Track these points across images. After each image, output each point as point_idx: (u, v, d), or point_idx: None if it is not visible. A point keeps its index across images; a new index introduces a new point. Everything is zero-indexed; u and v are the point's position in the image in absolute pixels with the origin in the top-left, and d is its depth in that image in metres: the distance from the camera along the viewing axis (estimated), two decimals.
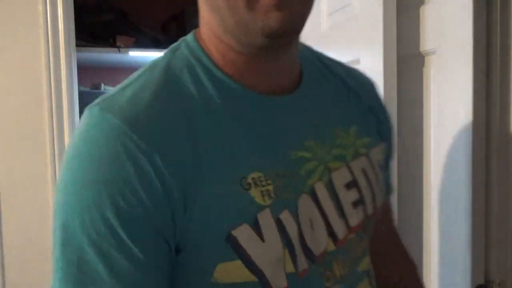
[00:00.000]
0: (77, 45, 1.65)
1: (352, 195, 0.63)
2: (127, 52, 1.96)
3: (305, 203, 0.57)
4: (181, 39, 0.62)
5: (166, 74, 0.56)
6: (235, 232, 0.52)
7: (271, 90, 0.59)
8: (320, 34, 1.48)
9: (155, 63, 0.59)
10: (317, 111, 0.63)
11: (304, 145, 0.59)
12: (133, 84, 0.56)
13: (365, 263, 0.67)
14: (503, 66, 0.86)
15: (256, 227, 0.53)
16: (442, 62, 0.95)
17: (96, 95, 1.90)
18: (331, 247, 0.60)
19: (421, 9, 1.06)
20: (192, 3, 2.38)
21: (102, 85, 1.99)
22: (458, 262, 0.88)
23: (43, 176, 1.45)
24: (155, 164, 0.49)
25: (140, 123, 0.50)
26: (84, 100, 1.85)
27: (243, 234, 0.52)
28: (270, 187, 0.54)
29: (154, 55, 2.03)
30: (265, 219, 0.54)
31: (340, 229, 0.61)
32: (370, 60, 1.15)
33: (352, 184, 0.63)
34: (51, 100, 1.44)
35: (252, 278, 0.54)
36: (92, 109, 0.52)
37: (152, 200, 0.49)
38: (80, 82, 1.69)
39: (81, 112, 1.76)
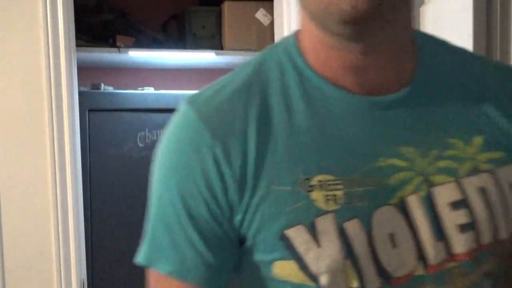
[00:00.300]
0: (77, 45, 1.64)
1: (460, 217, 0.54)
2: (127, 52, 1.96)
3: (386, 216, 0.53)
4: (285, 36, 0.61)
5: (255, 71, 0.57)
6: (288, 232, 0.52)
7: (370, 89, 0.55)
8: None
9: (252, 59, 0.60)
10: (428, 114, 0.56)
11: (400, 153, 0.54)
12: (226, 79, 0.59)
13: None
14: None
15: (313, 231, 0.52)
16: None
17: (96, 95, 1.91)
18: (420, 271, 0.53)
19: (421, 9, 1.06)
20: (192, 3, 2.37)
21: (102, 85, 1.98)
22: None
23: (43, 176, 1.45)
24: (216, 158, 0.53)
25: (211, 119, 0.54)
26: (84, 100, 1.85)
27: (297, 235, 0.52)
28: (339, 193, 0.52)
29: (154, 55, 2.03)
30: (325, 224, 0.52)
31: (434, 253, 0.53)
32: None
33: (461, 204, 0.54)
34: (51, 100, 1.44)
35: (310, 282, 0.53)
36: (184, 100, 0.59)
37: (209, 191, 0.53)
38: (80, 82, 1.69)
39: (81, 112, 1.76)
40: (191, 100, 0.58)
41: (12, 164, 1.44)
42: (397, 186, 0.53)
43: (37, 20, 1.42)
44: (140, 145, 1.97)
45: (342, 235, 0.52)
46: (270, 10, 2.02)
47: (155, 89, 2.04)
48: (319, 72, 0.55)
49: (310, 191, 0.52)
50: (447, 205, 0.54)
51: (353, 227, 0.52)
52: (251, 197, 0.52)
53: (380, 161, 0.53)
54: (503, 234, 0.55)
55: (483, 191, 0.54)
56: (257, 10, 2.05)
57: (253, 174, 0.52)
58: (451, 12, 0.95)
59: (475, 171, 0.55)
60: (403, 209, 0.53)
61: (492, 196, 0.55)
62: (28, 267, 1.47)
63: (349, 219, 0.52)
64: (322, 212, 0.52)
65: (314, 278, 0.52)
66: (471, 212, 0.54)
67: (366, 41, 0.52)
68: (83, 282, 1.60)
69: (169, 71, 2.53)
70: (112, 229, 1.96)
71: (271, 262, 0.54)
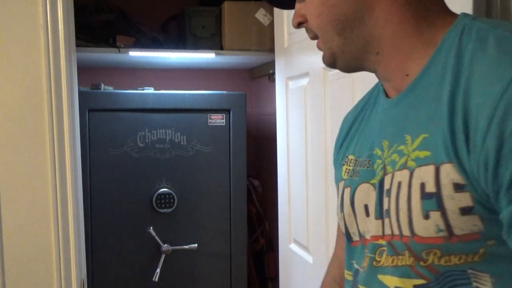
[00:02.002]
0: (77, 45, 1.64)
1: (385, 203, 0.65)
2: (127, 52, 1.96)
3: (364, 191, 0.70)
4: None
5: (373, 88, 0.81)
6: (337, 186, 0.79)
7: (391, 93, 0.70)
8: None
9: None
10: (402, 114, 0.65)
11: (381, 144, 0.68)
12: None
13: (392, 281, 0.64)
14: None
15: (338, 189, 0.78)
16: None
17: (96, 95, 1.91)
18: (372, 239, 0.68)
19: None
20: (192, 3, 2.37)
21: (102, 85, 1.98)
22: None
23: (43, 176, 1.45)
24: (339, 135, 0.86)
25: (346, 116, 0.86)
26: (84, 100, 1.86)
27: (336, 189, 0.80)
28: (350, 168, 0.74)
29: (154, 55, 2.03)
30: (340, 187, 0.77)
31: (369, 229, 0.68)
32: None
33: (387, 193, 0.64)
34: (51, 100, 1.44)
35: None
36: None
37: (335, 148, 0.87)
38: (80, 82, 1.69)
39: (81, 112, 1.76)
40: None
41: (12, 164, 1.44)
42: (376, 170, 0.68)
43: (37, 20, 1.42)
44: (140, 145, 1.97)
45: (342, 196, 0.75)
46: (270, 10, 2.02)
47: (155, 89, 2.04)
48: None
49: (344, 164, 0.77)
50: (384, 192, 0.65)
51: (346, 193, 0.74)
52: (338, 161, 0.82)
53: (375, 149, 0.69)
54: (407, 231, 0.60)
55: (399, 185, 0.61)
56: (257, 10, 2.05)
57: (338, 149, 0.83)
58: None
59: (404, 166, 0.61)
60: (377, 188, 0.67)
61: (402, 191, 0.60)
62: (28, 267, 1.47)
63: (347, 187, 0.74)
64: (341, 179, 0.77)
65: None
66: (388, 201, 0.63)
67: (361, 70, 0.71)
68: (83, 282, 1.60)
69: (169, 71, 2.54)
70: (112, 229, 1.96)
71: None
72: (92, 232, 1.93)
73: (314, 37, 0.71)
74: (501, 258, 0.56)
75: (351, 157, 0.75)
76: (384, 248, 0.65)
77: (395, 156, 0.63)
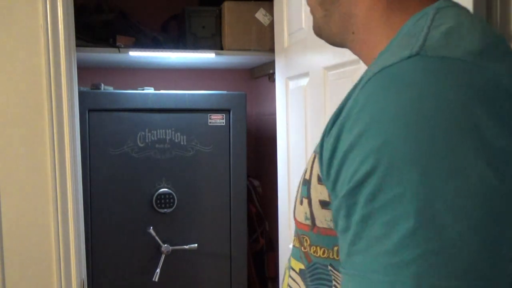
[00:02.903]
0: (77, 45, 1.64)
1: None
2: (127, 52, 1.96)
3: None
4: None
5: None
6: None
7: None
8: None
9: None
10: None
11: None
12: None
13: (291, 261, 0.64)
14: None
15: None
16: None
17: (96, 95, 1.91)
18: None
19: None
20: (192, 3, 2.36)
21: (102, 85, 1.98)
22: None
23: (43, 176, 1.45)
24: None
25: None
26: (84, 100, 1.86)
27: None
28: None
29: (154, 55, 2.03)
30: None
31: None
32: None
33: None
34: (51, 100, 1.44)
35: None
36: None
37: None
38: (80, 82, 1.69)
39: (81, 112, 1.76)
40: None
41: (12, 164, 1.44)
42: None
43: (37, 20, 1.42)
44: (140, 145, 1.97)
45: None
46: (270, 10, 2.02)
47: (155, 89, 2.04)
48: None
49: None
50: None
51: None
52: None
53: None
54: (293, 214, 0.61)
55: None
56: (257, 10, 2.05)
57: None
58: None
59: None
60: None
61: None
62: (28, 267, 1.47)
63: None
64: None
65: None
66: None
67: (347, 48, 0.65)
68: (83, 282, 1.60)
69: (169, 71, 2.54)
70: (112, 229, 1.96)
71: None
72: (92, 232, 1.93)
73: None
74: None
75: None
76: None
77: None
